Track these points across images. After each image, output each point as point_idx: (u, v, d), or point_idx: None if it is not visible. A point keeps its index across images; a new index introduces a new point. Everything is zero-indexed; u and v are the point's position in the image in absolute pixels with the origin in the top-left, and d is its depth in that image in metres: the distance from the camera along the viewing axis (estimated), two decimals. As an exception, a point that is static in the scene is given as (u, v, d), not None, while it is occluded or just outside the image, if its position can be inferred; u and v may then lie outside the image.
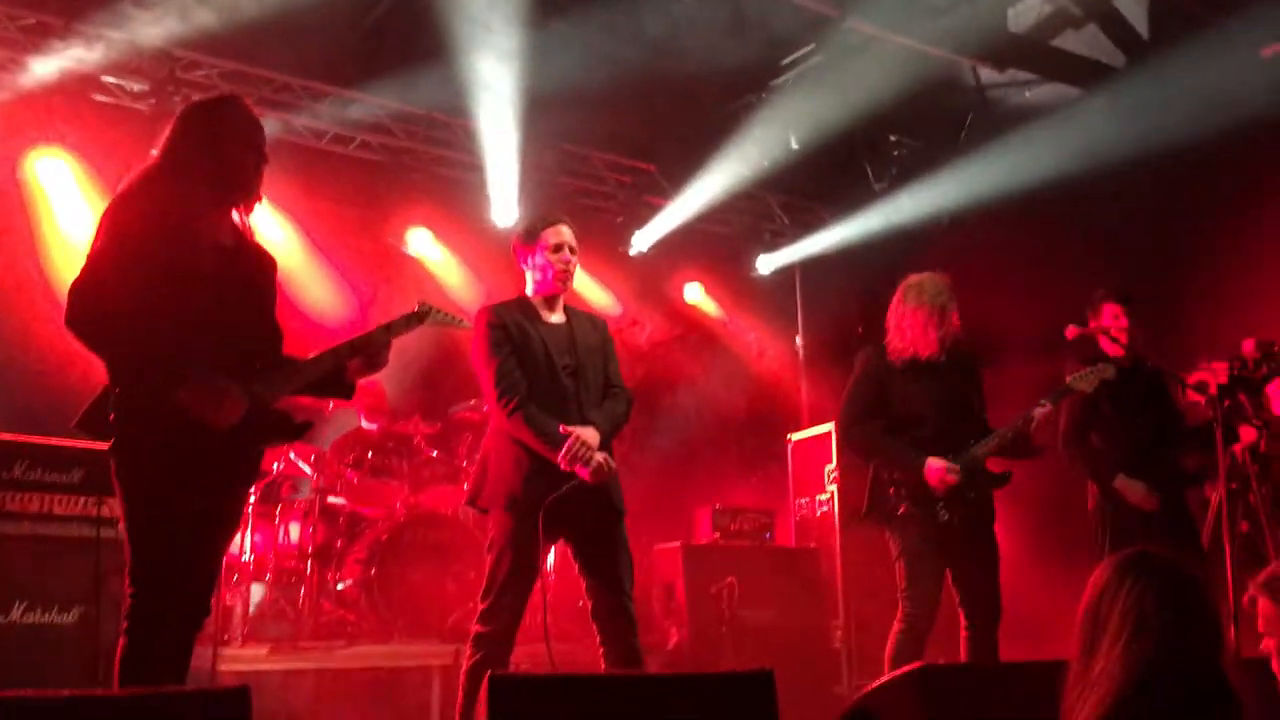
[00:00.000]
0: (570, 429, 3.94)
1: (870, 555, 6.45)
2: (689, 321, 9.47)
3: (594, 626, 4.03)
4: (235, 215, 3.30)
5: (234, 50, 7.02)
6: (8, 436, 4.84)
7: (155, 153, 3.23)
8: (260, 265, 3.37)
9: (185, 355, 3.00)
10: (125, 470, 2.99)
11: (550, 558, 5.97)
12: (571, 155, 8.56)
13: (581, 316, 4.36)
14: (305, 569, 6.39)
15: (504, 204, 8.17)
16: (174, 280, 3.03)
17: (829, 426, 7.39)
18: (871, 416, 4.70)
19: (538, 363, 4.08)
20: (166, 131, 3.27)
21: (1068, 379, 4.75)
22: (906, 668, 3.04)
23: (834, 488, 7.21)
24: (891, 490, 4.62)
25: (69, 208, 6.96)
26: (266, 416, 3.21)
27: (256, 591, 6.43)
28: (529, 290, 4.26)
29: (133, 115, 7.10)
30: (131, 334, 2.98)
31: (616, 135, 8.42)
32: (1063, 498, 5.63)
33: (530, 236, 4.20)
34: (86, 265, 3.03)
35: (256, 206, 3.36)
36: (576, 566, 4.12)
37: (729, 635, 6.40)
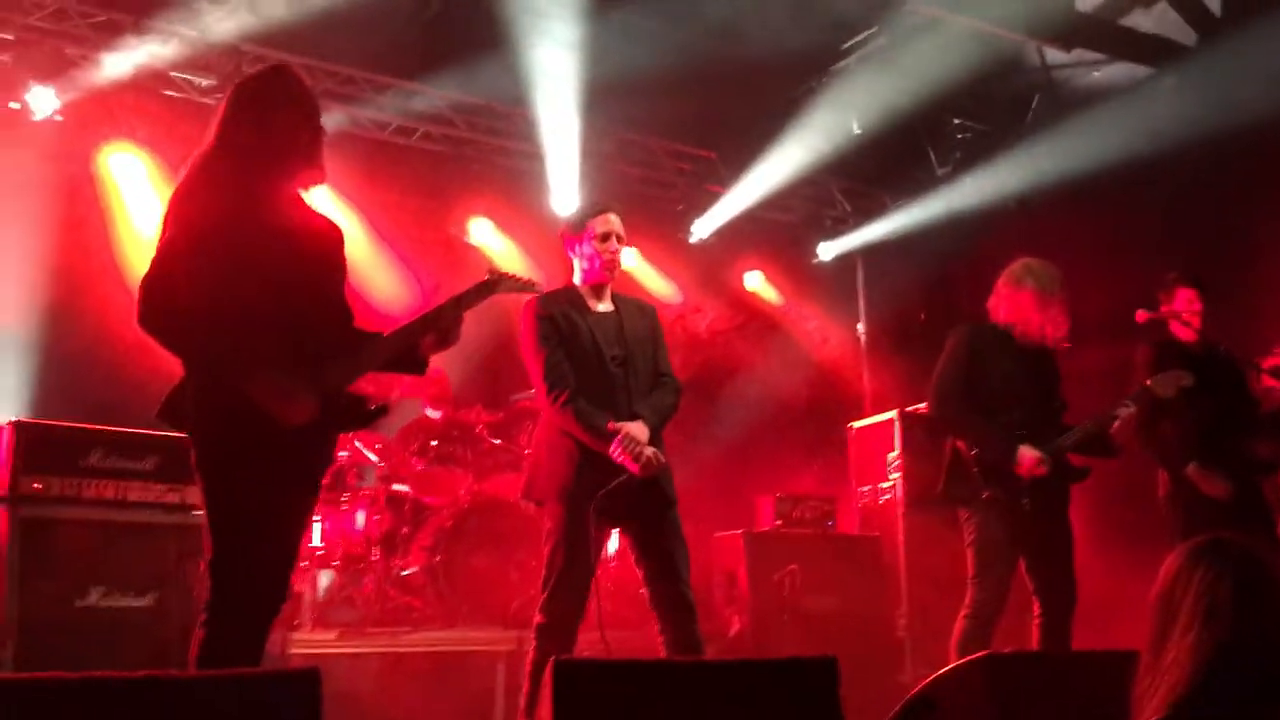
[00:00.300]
0: (618, 425, 3.96)
1: (934, 543, 6.41)
2: (750, 309, 9.44)
3: (653, 615, 4.04)
4: (299, 190, 3.25)
5: (299, 44, 7.10)
6: (85, 425, 4.96)
7: (210, 135, 3.17)
8: (327, 241, 3.30)
9: (255, 348, 2.98)
10: (204, 461, 3.01)
11: (612, 544, 5.99)
12: (631, 143, 8.56)
13: (630, 304, 4.35)
14: (371, 555, 6.49)
15: (564, 193, 8.19)
16: (241, 270, 3.00)
17: (892, 414, 7.33)
18: (963, 394, 4.64)
19: (586, 354, 4.09)
20: (219, 111, 3.21)
21: (1148, 381, 4.67)
22: (972, 656, 3.01)
23: (897, 475, 7.14)
24: (976, 471, 4.56)
25: (141, 201, 7.12)
26: (339, 403, 3.18)
27: (324, 578, 6.53)
28: (576, 279, 4.27)
29: (202, 109, 7.20)
30: (202, 330, 2.98)
31: (676, 122, 8.40)
32: (1133, 485, 5.54)
33: (578, 225, 4.22)
34: (154, 261, 3.02)
35: (320, 185, 3.30)
36: (633, 557, 4.13)
37: (791, 623, 6.39)
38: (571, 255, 4.28)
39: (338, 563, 6.55)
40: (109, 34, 6.77)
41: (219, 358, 2.98)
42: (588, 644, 5.20)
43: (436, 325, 3.34)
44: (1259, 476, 5.15)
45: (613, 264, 4.22)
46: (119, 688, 2.27)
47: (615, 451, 3.92)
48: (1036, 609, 4.59)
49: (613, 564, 6.63)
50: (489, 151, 8.23)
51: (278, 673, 2.46)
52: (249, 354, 2.97)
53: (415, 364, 3.41)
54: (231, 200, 3.04)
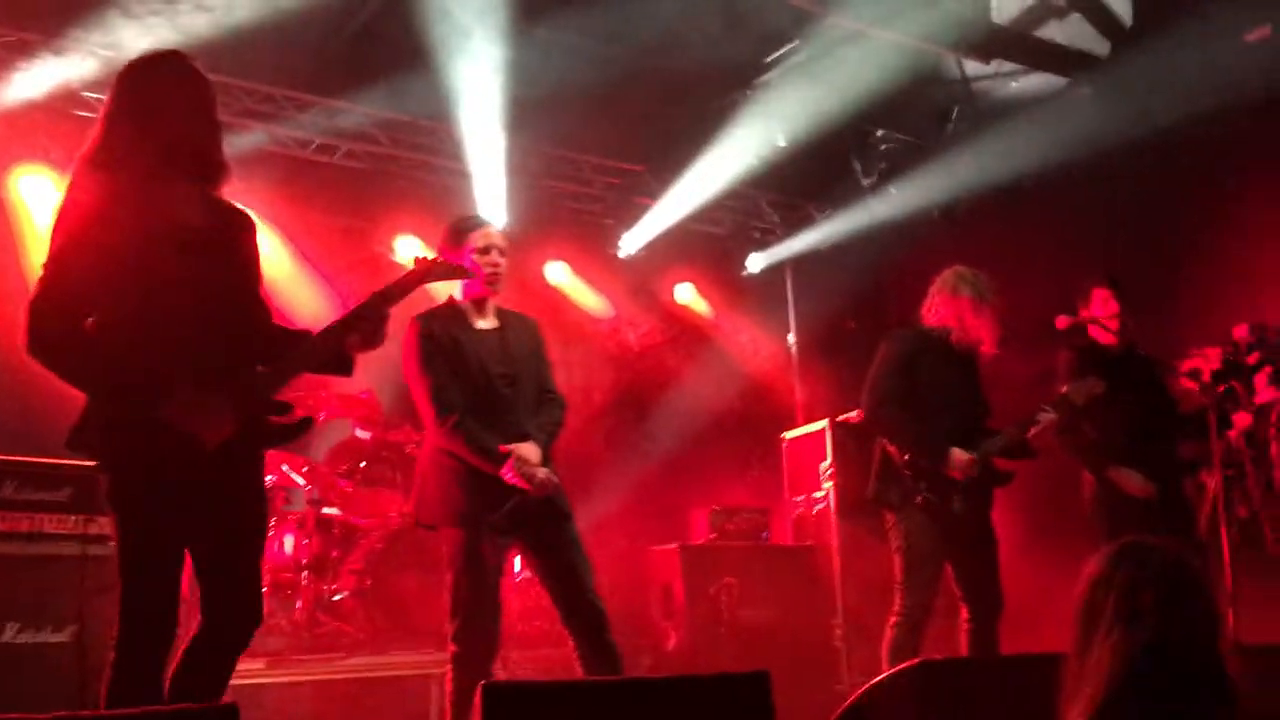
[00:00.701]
0: (510, 447, 3.90)
1: (868, 551, 6.45)
2: (680, 322, 9.46)
3: (565, 630, 3.99)
4: (203, 187, 3.01)
5: (218, 61, 6.96)
6: (-3, 456, 4.81)
7: (94, 133, 2.91)
8: (234, 235, 3.08)
9: (162, 363, 2.79)
10: (114, 492, 2.83)
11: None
12: (558, 158, 8.54)
13: (513, 319, 4.27)
14: (301, 580, 6.36)
15: (492, 209, 8.13)
16: (137, 281, 2.80)
17: (823, 424, 7.37)
18: (898, 399, 4.67)
19: (471, 374, 4.01)
20: (103, 105, 2.95)
21: (1064, 389, 4.74)
22: (905, 663, 3.02)
23: (829, 485, 7.18)
24: (908, 475, 4.59)
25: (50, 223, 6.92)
26: (262, 418, 3.01)
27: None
28: (458, 294, 4.18)
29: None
30: (98, 354, 2.80)
31: (603, 137, 8.39)
32: (1057, 488, 5.61)
33: (456, 240, 4.12)
34: (40, 281, 2.77)
35: (225, 181, 3.04)
36: (536, 576, 4.10)
37: (728, 635, 6.39)
38: None
39: (266, 589, 6.39)
40: (19, 53, 6.59)
41: (120, 383, 2.79)
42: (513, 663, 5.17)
43: (361, 325, 3.13)
44: (1181, 476, 5.26)
45: (495, 278, 4.12)
46: (27, 729, 2.19)
47: (508, 474, 3.87)
48: (964, 614, 4.62)
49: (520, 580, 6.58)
50: (414, 168, 8.16)
51: (194, 709, 2.38)
52: (154, 375, 2.78)
53: (341, 364, 3.20)
54: (121, 205, 2.80)
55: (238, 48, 6.58)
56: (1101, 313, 5.20)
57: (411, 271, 3.39)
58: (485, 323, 4.15)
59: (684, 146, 8.39)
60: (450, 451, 3.97)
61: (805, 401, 9.36)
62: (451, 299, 4.19)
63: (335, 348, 3.14)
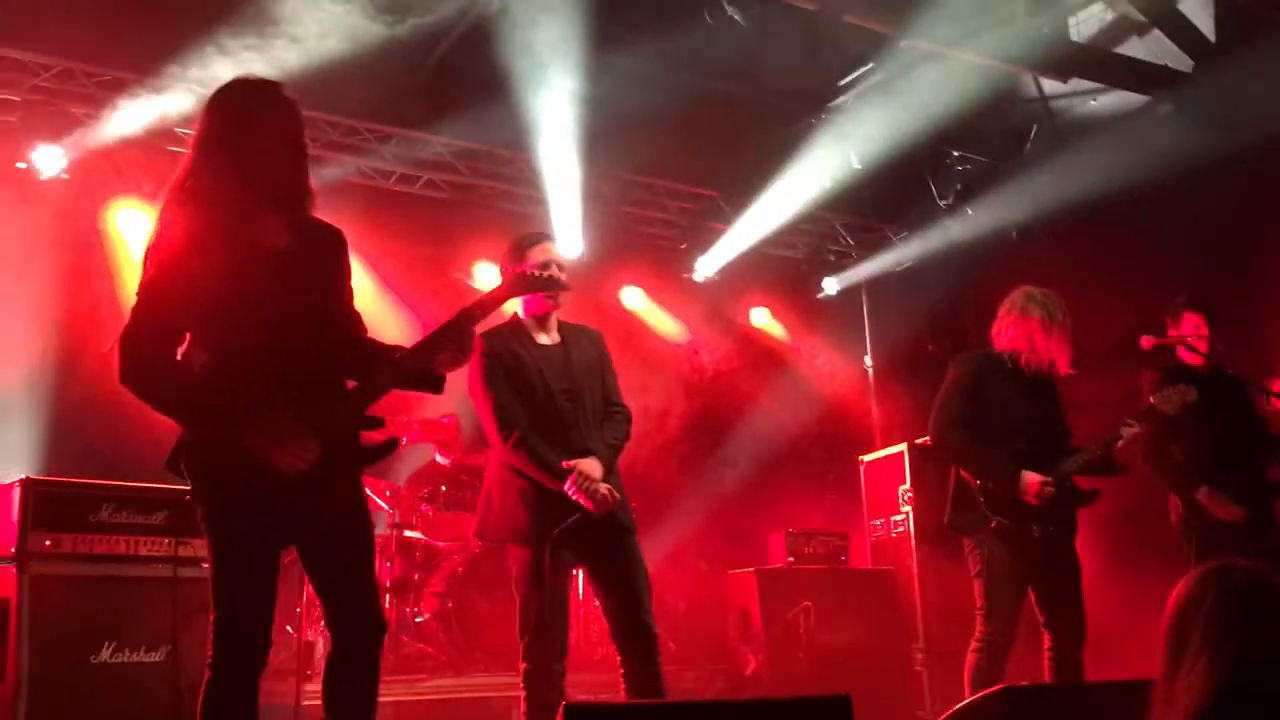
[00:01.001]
0: (572, 463, 3.93)
1: (948, 575, 6.37)
2: (756, 346, 9.46)
3: (618, 647, 4.01)
4: (293, 211, 3.04)
5: (303, 95, 7.15)
6: (94, 480, 4.97)
7: (184, 161, 2.98)
8: (324, 255, 3.12)
9: (248, 389, 2.82)
10: (204, 514, 2.91)
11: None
12: (633, 184, 8.61)
13: (577, 333, 4.30)
14: (384, 603, 6.46)
15: (568, 235, 8.23)
16: (226, 307, 2.84)
17: (901, 447, 7.31)
18: (966, 423, 4.63)
19: (534, 390, 4.06)
20: (193, 134, 3.02)
21: (1151, 399, 4.65)
22: (988, 689, 2.99)
23: (908, 508, 7.11)
24: (982, 500, 4.54)
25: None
26: (352, 436, 3.05)
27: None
28: (520, 312, 4.22)
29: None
30: (188, 382, 2.86)
31: (677, 162, 8.45)
32: (1143, 511, 5.51)
33: (517, 257, 4.15)
34: (132, 311, 2.84)
35: (312, 204, 3.07)
36: (594, 591, 4.12)
37: (806, 660, 6.35)
38: None
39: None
40: (115, 91, 6.84)
41: (207, 411, 2.85)
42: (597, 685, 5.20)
43: (449, 339, 3.12)
44: (1270, 498, 5.13)
45: (555, 296, 4.15)
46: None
47: (570, 490, 3.90)
48: (1047, 641, 4.55)
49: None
50: (492, 196, 8.28)
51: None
52: (241, 402, 2.81)
53: (431, 382, 3.19)
54: (210, 233, 2.84)
55: (324, 81, 6.77)
56: (1191, 334, 5.10)
57: (498, 287, 3.39)
58: (547, 338, 4.20)
59: (758, 170, 8.42)
60: (514, 468, 4.02)
61: (883, 424, 9.30)
62: (515, 316, 4.24)
63: (424, 364, 3.14)
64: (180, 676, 4.66)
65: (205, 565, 4.56)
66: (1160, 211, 7.28)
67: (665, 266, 9.03)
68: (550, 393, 4.06)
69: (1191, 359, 5.14)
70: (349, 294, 3.20)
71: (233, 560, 2.88)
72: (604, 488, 3.94)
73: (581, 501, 3.90)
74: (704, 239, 8.99)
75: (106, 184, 7.11)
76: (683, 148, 8.14)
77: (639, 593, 4.00)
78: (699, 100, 7.50)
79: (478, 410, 4.12)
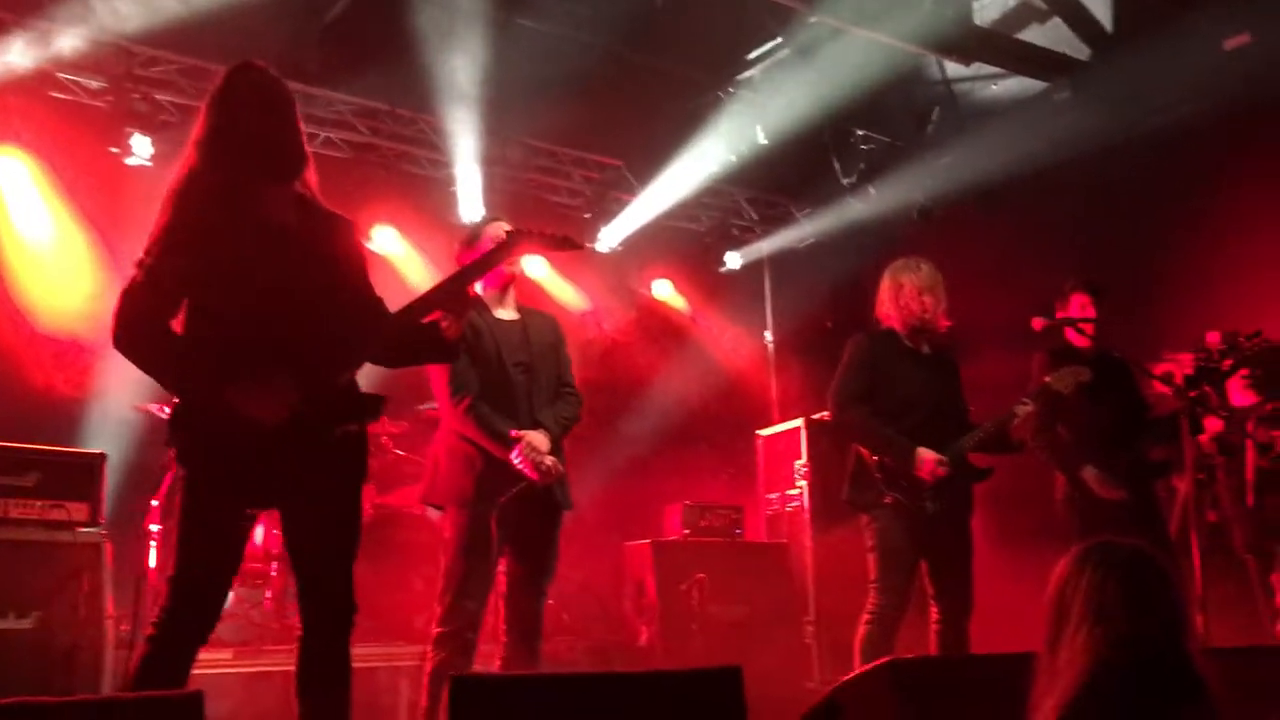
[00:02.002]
0: (521, 433, 4.01)
1: (841, 550, 6.45)
2: (657, 318, 9.45)
3: (503, 612, 4.12)
4: (294, 188, 3.10)
5: (192, 46, 6.91)
6: (-38, 441, 4.75)
7: (187, 141, 3.07)
8: (329, 236, 3.14)
9: (233, 354, 2.87)
10: (183, 478, 2.92)
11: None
12: (538, 151, 8.51)
13: (535, 315, 4.41)
14: (270, 571, 6.31)
15: (470, 200, 8.10)
16: (223, 276, 2.91)
17: (799, 422, 7.38)
18: (864, 399, 4.68)
19: (489, 359, 4.13)
20: (196, 123, 3.10)
21: (1046, 378, 4.74)
22: (876, 661, 3.01)
23: (804, 483, 7.19)
24: (879, 477, 4.59)
25: (26, 207, 6.85)
26: (334, 401, 3.02)
27: (221, 595, 6.33)
28: (479, 289, 4.25)
29: (91, 112, 6.99)
30: (173, 348, 2.91)
31: (583, 131, 8.37)
32: (1028, 488, 5.64)
33: (474, 238, 4.24)
34: (130, 278, 2.92)
35: (311, 181, 3.13)
36: (505, 561, 4.15)
37: (700, 632, 6.38)
38: None
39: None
40: (-11, 34, 6.51)
41: (190, 372, 2.90)
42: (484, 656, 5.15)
43: (443, 301, 3.16)
44: (1152, 479, 5.29)
45: (514, 267, 4.28)
46: (-14, 715, 2.15)
47: (516, 458, 3.96)
48: (934, 614, 4.63)
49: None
50: (392, 158, 8.11)
51: (159, 697, 2.35)
52: (224, 357, 2.86)
53: (444, 349, 3.27)
54: (211, 205, 2.94)
55: (216, 30, 6.53)
56: (1078, 315, 5.22)
57: (498, 246, 3.41)
58: (506, 314, 4.29)
59: (663, 142, 8.38)
60: (463, 435, 4.06)
61: (781, 399, 9.38)
62: (473, 291, 4.21)
63: (413, 321, 3.13)
64: (50, 645, 4.49)
65: (82, 530, 4.47)
66: (1056, 196, 7.45)
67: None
68: (504, 364, 4.14)
69: (1079, 341, 5.26)
70: (361, 277, 3.21)
71: (201, 523, 2.89)
72: (549, 460, 4.02)
73: (527, 471, 3.96)
74: (608, 209, 8.94)
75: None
76: (589, 116, 8.05)
77: (542, 582, 4.15)
78: (607, 69, 7.43)
79: (430, 376, 4.17)
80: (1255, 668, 2.59)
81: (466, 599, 3.95)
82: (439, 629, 3.98)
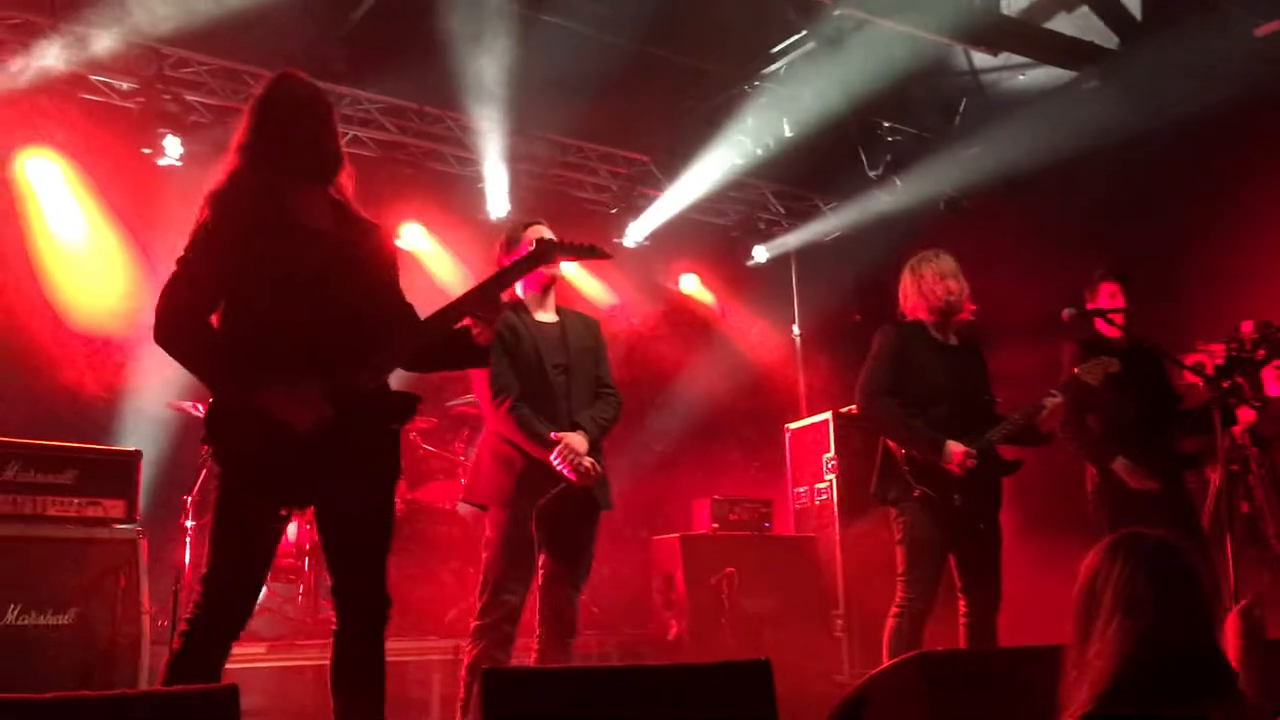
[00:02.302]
0: (560, 435, 4.09)
1: (870, 542, 6.44)
2: (685, 312, 9.45)
3: (538, 607, 4.19)
4: (331, 193, 3.17)
5: (222, 47, 6.98)
6: (0, 439, 4.81)
7: (230, 146, 3.16)
8: (364, 241, 3.19)
9: (268, 355, 2.92)
10: (218, 475, 2.98)
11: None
12: (565, 147, 8.52)
13: (574, 317, 4.48)
14: (303, 566, 6.37)
15: (497, 197, 8.13)
16: (260, 275, 2.96)
17: (827, 415, 7.37)
18: (892, 392, 4.66)
19: (529, 362, 4.21)
20: (236, 130, 3.19)
21: (1075, 369, 4.71)
22: (904, 655, 3.02)
23: (832, 476, 7.18)
24: (907, 469, 4.58)
25: (59, 207, 6.93)
26: (369, 401, 3.08)
27: (255, 590, 6.39)
28: (519, 291, 4.37)
29: (122, 114, 7.07)
30: (218, 345, 2.97)
31: (610, 127, 8.38)
32: (1058, 480, 5.61)
33: (513, 240, 4.31)
34: (171, 275, 2.99)
35: (350, 186, 3.21)
36: (542, 557, 4.20)
37: (729, 625, 6.38)
38: None
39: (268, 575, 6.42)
40: (25, 35, 6.58)
41: (228, 371, 2.96)
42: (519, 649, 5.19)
43: (475, 307, 3.20)
44: (1183, 470, 5.24)
45: (554, 269, 4.32)
46: (29, 710, 2.19)
47: (555, 460, 4.04)
48: (963, 607, 4.62)
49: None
50: (420, 155, 8.14)
51: (195, 690, 2.38)
52: (259, 359, 2.91)
53: (474, 355, 3.31)
54: (243, 208, 3.00)
55: (244, 30, 6.58)
56: (1108, 306, 5.19)
57: (531, 254, 3.50)
58: (546, 316, 4.38)
59: (690, 137, 8.38)
60: (504, 436, 4.16)
61: (809, 393, 9.36)
62: (514, 295, 4.37)
63: (445, 329, 3.18)
64: (88, 641, 4.56)
65: (119, 526, 4.53)
66: (1085, 186, 7.39)
67: (596, 231, 8.95)
68: (544, 366, 4.22)
69: (1109, 331, 5.22)
70: (393, 283, 3.26)
71: (237, 520, 2.94)
72: (588, 461, 4.11)
73: (566, 472, 4.05)
74: (635, 204, 8.94)
75: (15, 131, 6.84)
76: (615, 113, 8.06)
77: (579, 575, 4.22)
78: (633, 65, 7.42)
79: (473, 378, 4.30)
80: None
81: (505, 594, 4.04)
82: (477, 621, 4.08)
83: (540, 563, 4.19)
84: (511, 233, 4.37)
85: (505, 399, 4.12)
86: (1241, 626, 2.52)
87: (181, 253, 3.01)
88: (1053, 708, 2.15)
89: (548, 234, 4.30)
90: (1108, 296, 5.23)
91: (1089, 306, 5.24)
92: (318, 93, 3.19)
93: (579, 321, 4.47)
